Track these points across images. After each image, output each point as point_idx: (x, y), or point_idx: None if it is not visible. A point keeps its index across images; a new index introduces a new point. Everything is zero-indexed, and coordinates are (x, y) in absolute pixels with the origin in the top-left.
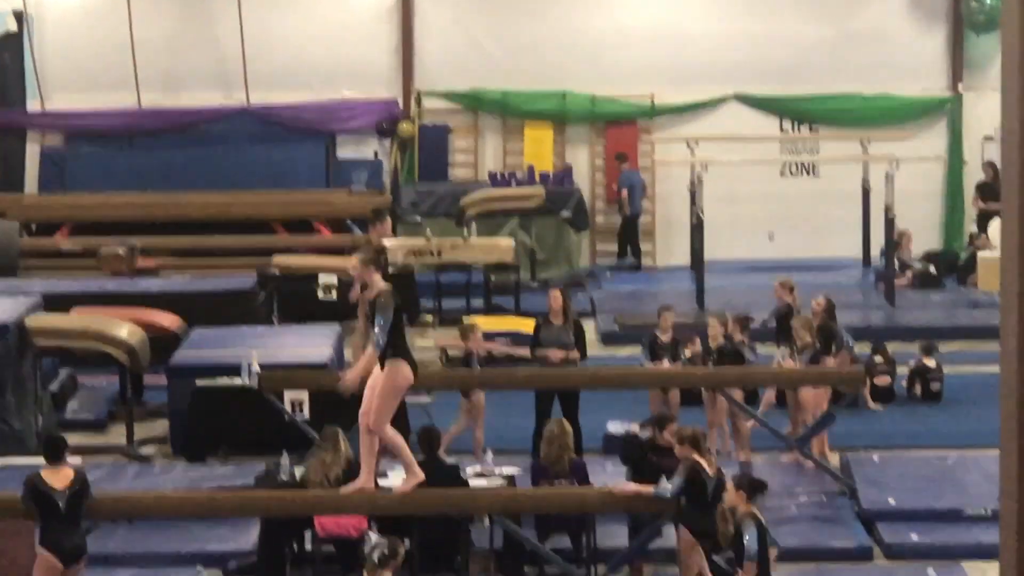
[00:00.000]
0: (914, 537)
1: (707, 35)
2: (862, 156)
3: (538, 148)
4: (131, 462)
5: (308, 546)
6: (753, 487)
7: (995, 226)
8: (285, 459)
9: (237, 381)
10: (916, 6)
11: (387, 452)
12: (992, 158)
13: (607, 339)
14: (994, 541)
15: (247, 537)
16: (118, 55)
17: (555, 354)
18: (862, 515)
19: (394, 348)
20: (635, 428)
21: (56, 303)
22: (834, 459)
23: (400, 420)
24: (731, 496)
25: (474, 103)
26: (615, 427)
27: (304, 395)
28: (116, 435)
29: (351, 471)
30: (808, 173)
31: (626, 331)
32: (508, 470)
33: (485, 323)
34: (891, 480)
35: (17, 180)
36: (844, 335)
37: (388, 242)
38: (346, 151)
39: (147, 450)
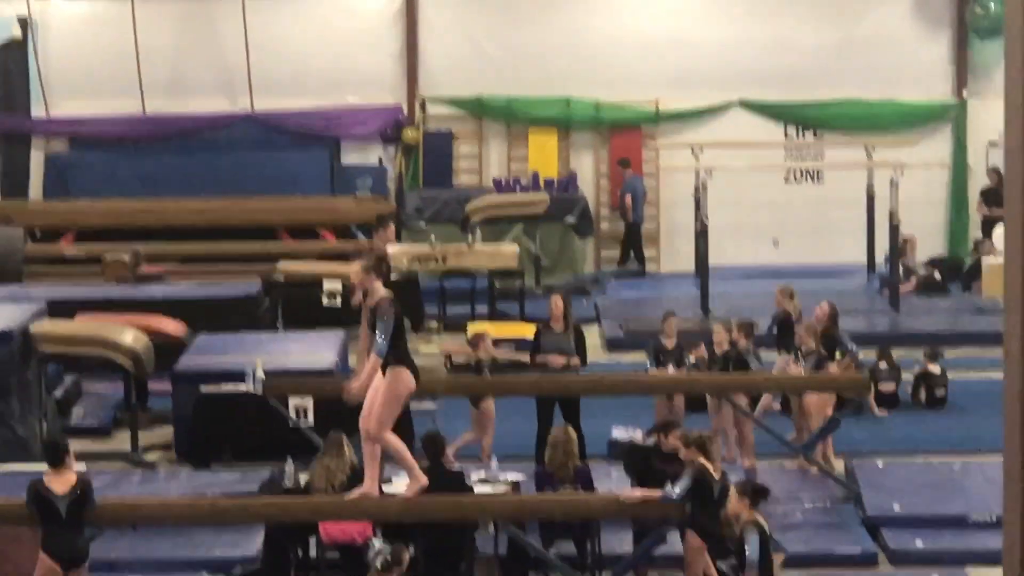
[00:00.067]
0: (919, 543)
1: (711, 41)
2: (867, 162)
3: (542, 154)
4: (136, 468)
5: (313, 552)
6: (756, 494)
7: (1000, 232)
8: (290, 465)
9: (242, 387)
10: (920, 12)
11: (391, 458)
12: (997, 164)
13: (612, 345)
14: (999, 547)
15: (252, 543)
16: (123, 61)
17: (556, 360)
18: (867, 521)
19: (395, 355)
20: (638, 437)
21: (60, 309)
22: (839, 465)
23: (404, 426)
24: (734, 503)
25: (478, 109)
26: (620, 433)
27: (308, 401)
28: (121, 441)
29: (355, 477)
30: (812, 179)
31: (631, 337)
32: (513, 476)
33: (489, 330)
34: (896, 486)
35: (22, 186)
36: (848, 342)
37: (392, 248)
38: (350, 157)
39: (152, 456)
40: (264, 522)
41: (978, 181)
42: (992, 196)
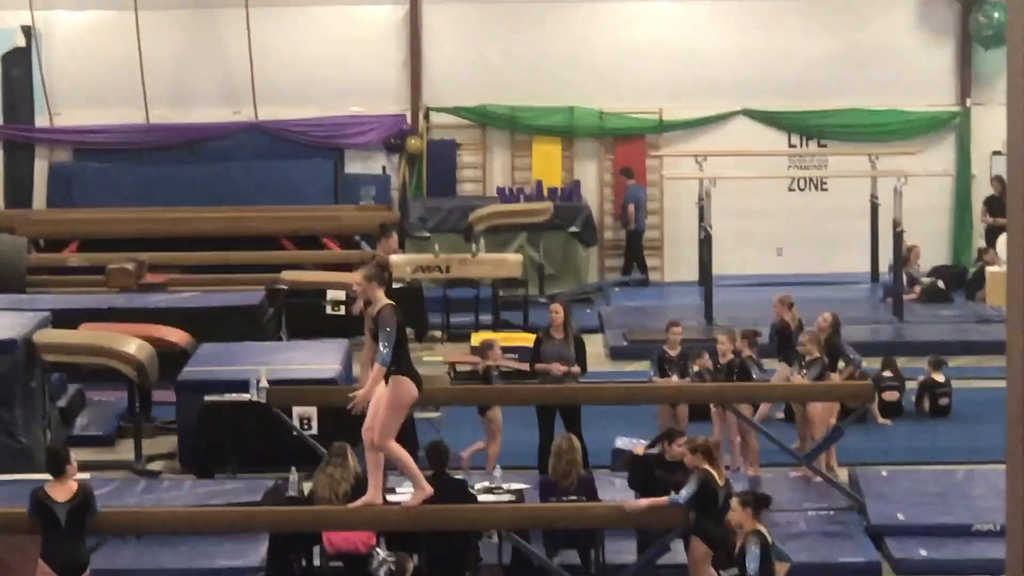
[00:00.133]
0: (923, 552)
1: (715, 51)
2: (870, 171)
3: (546, 163)
4: (139, 478)
5: (316, 562)
6: (759, 503)
7: (1004, 241)
8: (293, 475)
9: (245, 397)
10: (924, 21)
11: (395, 467)
12: (1000, 173)
13: (615, 354)
14: (1003, 556)
15: (256, 553)
16: (126, 71)
17: (557, 368)
18: (870, 530)
19: (397, 364)
20: (639, 449)
21: (64, 319)
22: (842, 474)
23: (408, 436)
24: (737, 514)
25: (482, 118)
26: (623, 443)
27: (312, 411)
28: (124, 451)
29: (359, 486)
30: (816, 188)
31: (634, 346)
32: (517, 485)
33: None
34: (899, 495)
35: (25, 196)
36: (850, 351)
37: (395, 257)
38: (354, 167)
39: (155, 466)
40: (268, 531)
41: (982, 190)
42: (996, 205)
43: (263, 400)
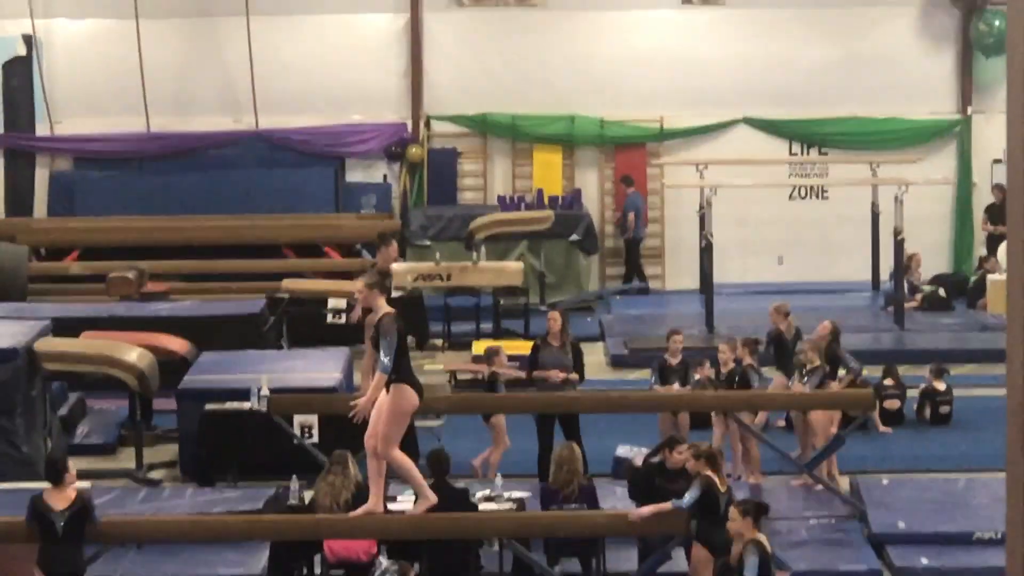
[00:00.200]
0: (924, 561)
1: (716, 59)
2: (871, 179)
3: (547, 172)
4: (140, 486)
5: (317, 570)
6: (759, 512)
7: (1005, 249)
8: (295, 483)
9: (246, 405)
10: (925, 29)
11: (396, 476)
12: (1001, 181)
13: (616, 363)
14: (1003, 564)
15: (257, 561)
16: (127, 79)
17: (556, 375)
18: (872, 539)
19: (398, 372)
20: (638, 459)
21: (65, 327)
22: (844, 482)
23: (409, 444)
24: (737, 523)
25: (483, 127)
26: (624, 451)
27: (313, 419)
28: (125, 459)
29: (360, 495)
30: (817, 196)
31: (635, 355)
32: (518, 494)
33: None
34: (901, 503)
35: (26, 204)
36: (849, 359)
37: (396, 266)
38: (355, 175)
39: (156, 474)
40: (269, 540)
41: (983, 198)
42: (997, 213)
43: (264, 408)
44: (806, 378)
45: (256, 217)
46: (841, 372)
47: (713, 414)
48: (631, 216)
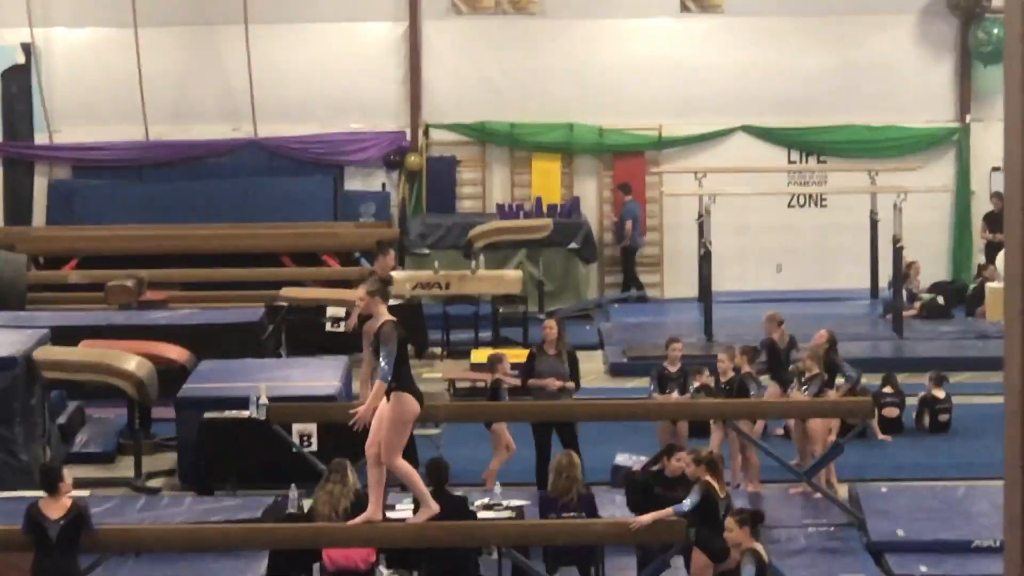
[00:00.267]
0: (923, 569)
1: (714, 67)
2: (870, 187)
3: (546, 180)
4: (139, 495)
5: None
6: (755, 521)
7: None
8: (293, 492)
9: (245, 413)
10: (923, 37)
11: (396, 484)
12: (1000, 189)
13: (615, 371)
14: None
15: (255, 570)
16: (126, 88)
17: (552, 383)
18: (871, 547)
19: (398, 380)
20: (636, 467)
21: (64, 336)
22: (842, 490)
23: (409, 452)
24: (735, 532)
25: (482, 135)
26: (623, 459)
27: (312, 427)
28: (124, 468)
29: (359, 503)
30: (816, 204)
31: (634, 363)
32: (517, 502)
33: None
34: (900, 511)
35: (25, 213)
36: (847, 367)
37: (395, 274)
38: (354, 183)
39: (155, 483)
40: (268, 548)
41: (982, 206)
42: (996, 221)
43: (263, 417)
44: (805, 386)
45: (255, 226)
46: (839, 380)
47: (712, 421)
48: (628, 224)
